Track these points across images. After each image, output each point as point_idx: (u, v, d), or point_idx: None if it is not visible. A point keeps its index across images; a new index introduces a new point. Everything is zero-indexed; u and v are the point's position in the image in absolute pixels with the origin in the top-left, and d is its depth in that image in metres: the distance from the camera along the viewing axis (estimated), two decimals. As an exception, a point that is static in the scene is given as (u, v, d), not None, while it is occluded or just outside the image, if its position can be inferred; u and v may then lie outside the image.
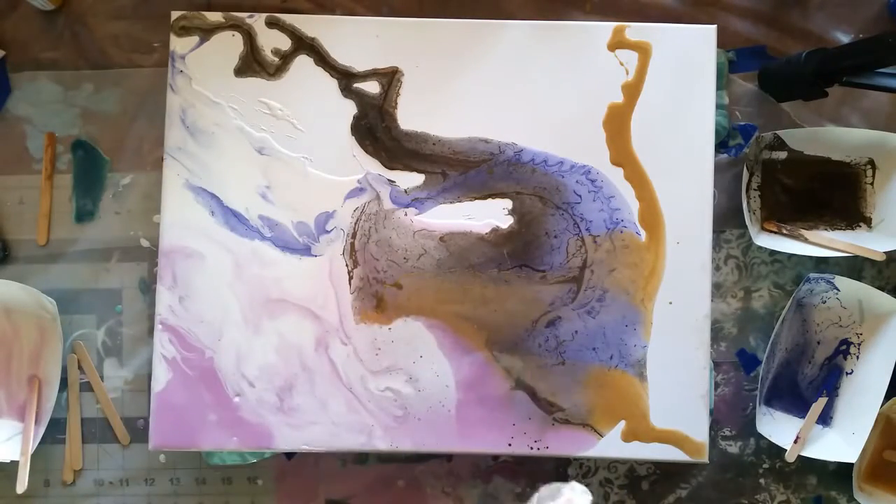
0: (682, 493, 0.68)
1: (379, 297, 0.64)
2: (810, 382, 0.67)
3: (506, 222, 0.65)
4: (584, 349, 0.64)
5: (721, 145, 0.68)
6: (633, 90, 0.65)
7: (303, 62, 0.66)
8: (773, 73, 0.66)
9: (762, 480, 0.68)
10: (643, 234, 0.65)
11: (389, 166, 0.65)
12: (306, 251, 0.64)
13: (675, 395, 0.63)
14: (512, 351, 0.64)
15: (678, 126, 0.65)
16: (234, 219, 0.65)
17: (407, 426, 0.64)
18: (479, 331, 0.64)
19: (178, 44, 0.66)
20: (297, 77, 0.66)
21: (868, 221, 0.67)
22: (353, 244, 0.65)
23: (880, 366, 0.64)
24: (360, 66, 0.65)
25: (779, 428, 0.65)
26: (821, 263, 0.68)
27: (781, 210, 0.68)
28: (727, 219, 0.68)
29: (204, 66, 0.65)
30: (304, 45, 0.66)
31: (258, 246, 0.64)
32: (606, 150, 0.65)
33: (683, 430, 0.63)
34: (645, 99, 0.65)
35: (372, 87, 0.65)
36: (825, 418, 0.66)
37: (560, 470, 0.69)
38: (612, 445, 0.63)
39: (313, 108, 0.65)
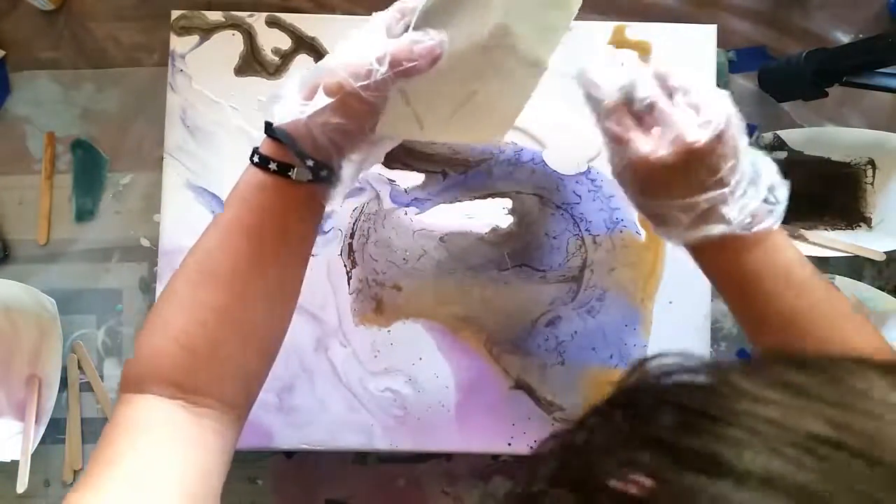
0: (682, 493, 0.68)
1: (378, 300, 0.64)
2: (810, 382, 0.67)
3: (505, 222, 0.65)
4: (583, 349, 0.64)
5: (721, 145, 0.68)
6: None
7: (303, 61, 0.66)
8: (773, 73, 0.66)
9: (762, 480, 0.68)
10: (643, 233, 0.64)
11: (389, 165, 0.65)
12: (306, 251, 0.64)
13: (674, 395, 0.63)
14: (511, 351, 0.64)
15: (678, 126, 0.65)
16: (234, 219, 0.64)
17: (407, 426, 0.63)
18: (478, 331, 0.64)
19: (178, 43, 0.65)
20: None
21: (868, 221, 0.67)
22: (350, 245, 0.65)
23: (880, 366, 0.63)
24: (359, 65, 0.65)
25: (779, 428, 0.65)
26: (821, 263, 0.68)
27: (781, 210, 0.68)
28: (727, 219, 0.67)
29: (204, 65, 0.65)
30: (305, 44, 0.66)
31: (258, 246, 0.64)
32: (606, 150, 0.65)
33: (683, 430, 0.63)
34: (645, 99, 0.65)
35: (372, 87, 0.65)
36: (825, 418, 0.66)
37: (560, 470, 0.68)
38: (611, 445, 0.63)
39: (313, 107, 0.65)
